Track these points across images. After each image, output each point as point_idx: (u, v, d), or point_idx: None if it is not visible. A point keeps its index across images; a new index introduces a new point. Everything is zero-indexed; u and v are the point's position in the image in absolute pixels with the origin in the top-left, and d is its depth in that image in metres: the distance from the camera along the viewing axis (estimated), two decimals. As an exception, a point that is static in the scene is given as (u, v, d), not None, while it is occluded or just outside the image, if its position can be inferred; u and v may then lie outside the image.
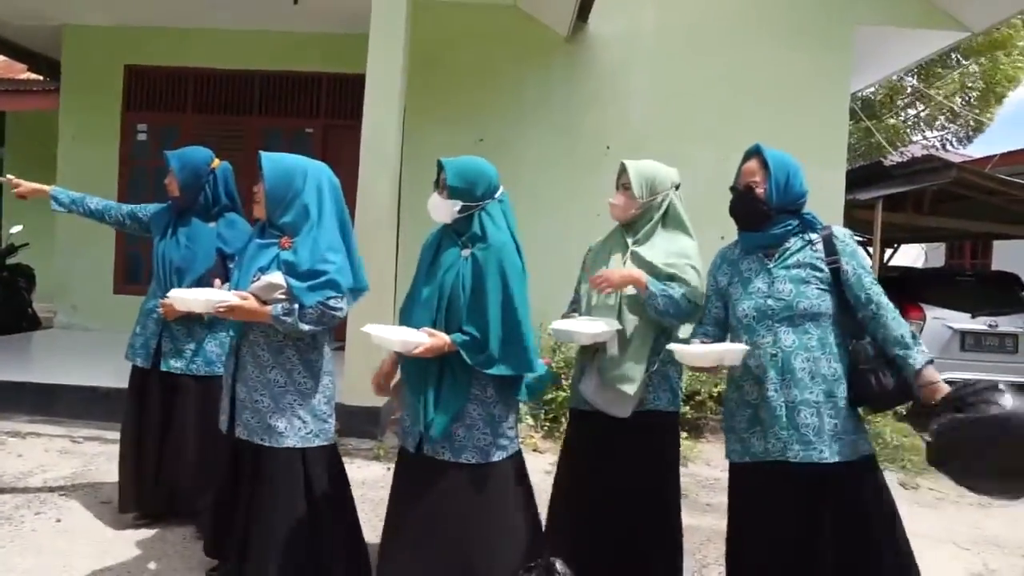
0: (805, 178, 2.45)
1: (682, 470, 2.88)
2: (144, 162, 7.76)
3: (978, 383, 2.19)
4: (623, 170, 2.79)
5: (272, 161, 2.73)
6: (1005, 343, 6.84)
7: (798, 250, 2.39)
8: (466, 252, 2.46)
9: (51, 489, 3.85)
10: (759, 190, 2.41)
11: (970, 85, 15.47)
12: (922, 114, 16.70)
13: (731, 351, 2.40)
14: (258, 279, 2.61)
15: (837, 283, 2.33)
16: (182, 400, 3.34)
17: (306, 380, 2.73)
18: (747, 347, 2.42)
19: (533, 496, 2.67)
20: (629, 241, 2.77)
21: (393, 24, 4.88)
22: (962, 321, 6.82)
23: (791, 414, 2.30)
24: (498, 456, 2.49)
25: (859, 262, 2.36)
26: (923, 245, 14.33)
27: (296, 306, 2.57)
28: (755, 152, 2.47)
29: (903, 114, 16.86)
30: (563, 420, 5.29)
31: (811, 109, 6.70)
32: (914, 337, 2.28)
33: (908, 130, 16.75)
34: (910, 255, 14.81)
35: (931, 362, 2.25)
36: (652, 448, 2.73)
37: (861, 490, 2.32)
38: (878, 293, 2.33)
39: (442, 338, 2.38)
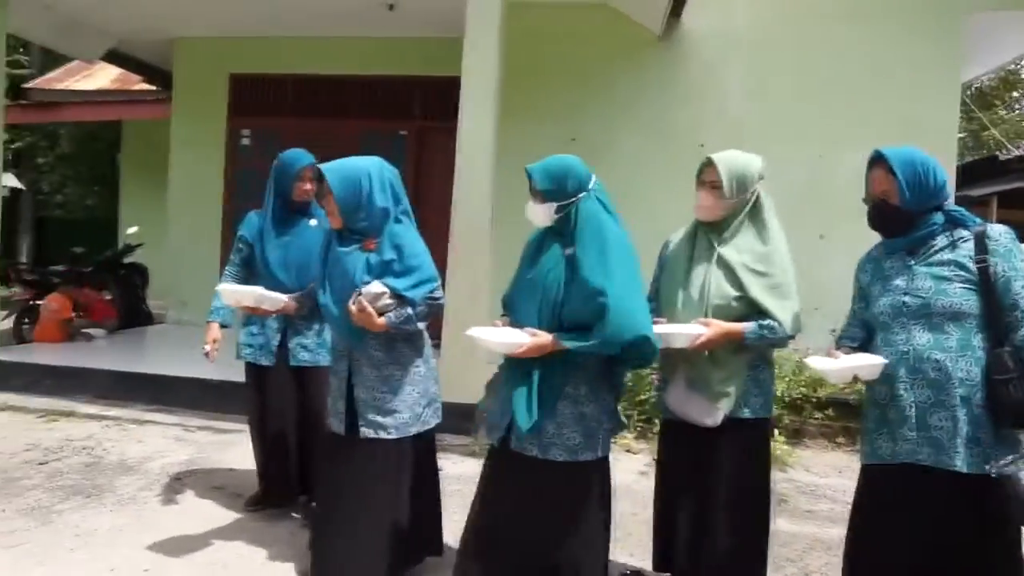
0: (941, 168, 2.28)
1: (782, 476, 2.77)
2: (247, 165, 8.11)
3: None
4: (708, 165, 2.60)
5: (334, 172, 2.78)
6: None
7: (943, 247, 2.24)
8: (569, 251, 2.47)
9: (169, 474, 4.09)
10: (892, 200, 2.26)
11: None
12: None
13: (866, 366, 2.28)
14: (359, 294, 2.68)
15: (987, 284, 2.16)
16: (315, 391, 3.43)
17: (419, 368, 2.87)
18: (884, 361, 2.29)
19: (610, 504, 2.64)
20: (715, 242, 2.61)
21: (488, 28, 4.94)
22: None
23: (922, 416, 2.18)
24: (585, 457, 2.47)
25: (1012, 264, 2.17)
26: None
27: (409, 309, 2.69)
28: (878, 159, 2.30)
29: (1018, 105, 15.84)
30: (656, 421, 5.24)
31: (918, 101, 6.37)
32: None
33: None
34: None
35: None
36: (742, 456, 2.61)
37: (997, 512, 2.14)
38: None
39: (544, 337, 2.40)
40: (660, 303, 2.71)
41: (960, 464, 2.12)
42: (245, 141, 8.17)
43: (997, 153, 9.72)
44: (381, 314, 2.68)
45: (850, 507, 2.46)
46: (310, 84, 7.92)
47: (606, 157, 6.81)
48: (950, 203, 2.30)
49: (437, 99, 7.45)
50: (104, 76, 11.07)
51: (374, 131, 7.67)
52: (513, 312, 2.61)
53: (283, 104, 8.03)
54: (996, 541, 2.16)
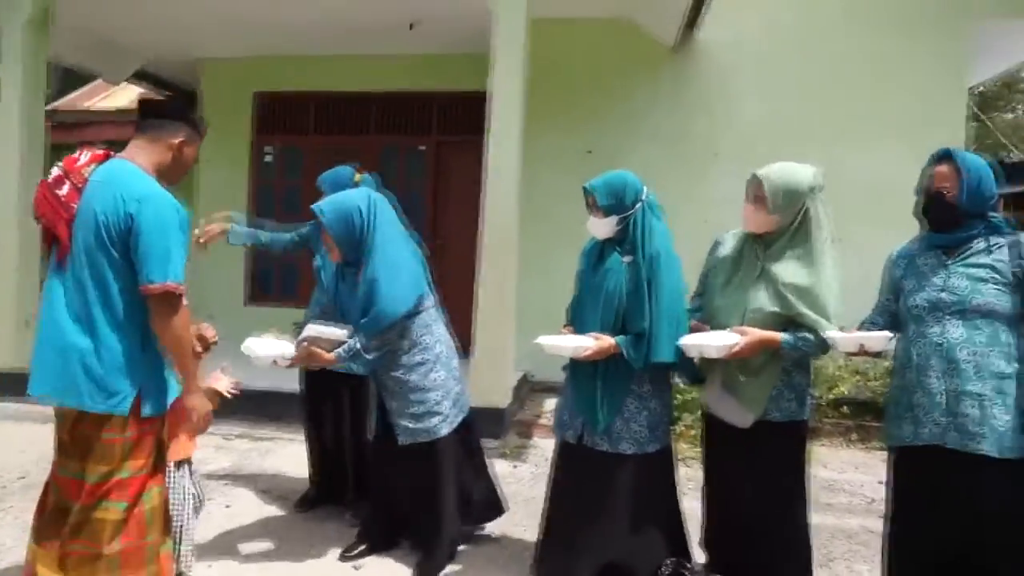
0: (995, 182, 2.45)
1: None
2: (271, 181, 8.34)
3: None
4: (755, 181, 2.65)
5: (329, 211, 2.97)
6: None
7: (980, 251, 2.42)
8: (627, 259, 2.66)
9: (216, 479, 4.27)
10: (950, 195, 2.42)
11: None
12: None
13: (873, 337, 2.49)
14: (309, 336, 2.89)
15: (1021, 287, 2.35)
16: (333, 397, 3.69)
17: (439, 373, 3.04)
18: (890, 335, 2.52)
19: (677, 489, 2.85)
20: (760, 256, 2.68)
21: (513, 45, 5.14)
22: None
23: (952, 403, 2.36)
24: (652, 448, 2.68)
25: None
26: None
27: (356, 346, 2.87)
28: (946, 156, 2.47)
29: (1020, 108, 15.96)
30: (680, 420, 5.40)
31: (925, 108, 6.50)
32: None
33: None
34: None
35: None
36: (772, 457, 2.74)
37: (1020, 489, 2.33)
38: None
39: (607, 340, 2.60)
40: (704, 305, 2.85)
41: (987, 448, 2.31)
42: (268, 158, 8.39)
43: (1001, 157, 9.87)
44: (331, 350, 2.88)
45: (868, 499, 2.63)
46: (331, 101, 8.11)
47: (623, 167, 6.92)
48: (992, 213, 2.46)
49: (455, 114, 7.66)
50: (125, 96, 11.29)
51: (394, 146, 7.89)
52: (577, 319, 2.81)
53: (305, 122, 8.23)
54: (1019, 521, 2.33)
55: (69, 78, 12.81)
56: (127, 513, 2.23)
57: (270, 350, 2.89)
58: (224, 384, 2.70)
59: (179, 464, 2.74)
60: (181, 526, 2.72)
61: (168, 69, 8.80)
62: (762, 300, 2.62)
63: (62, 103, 11.73)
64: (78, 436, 2.24)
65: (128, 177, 2.25)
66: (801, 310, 2.56)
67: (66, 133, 11.24)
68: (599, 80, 7.04)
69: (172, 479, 2.68)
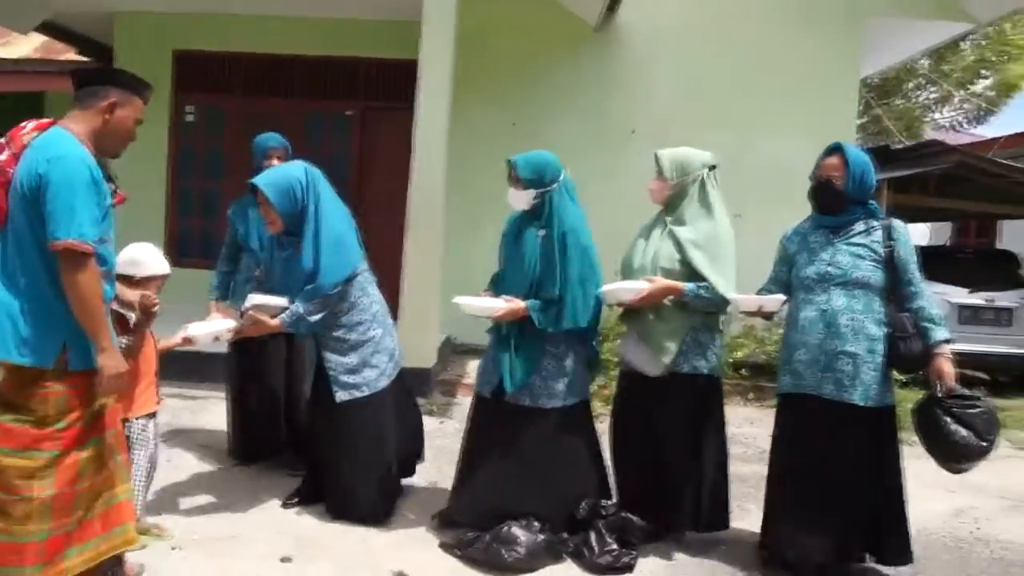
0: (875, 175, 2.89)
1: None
2: (192, 141, 8.21)
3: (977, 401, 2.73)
4: (655, 158, 3.16)
5: (270, 186, 3.10)
6: (1000, 317, 7.33)
7: (860, 232, 2.87)
8: (542, 232, 2.96)
9: (152, 435, 4.39)
10: (838, 183, 2.86)
11: (982, 68, 15.54)
12: (932, 95, 16.88)
13: (769, 299, 2.93)
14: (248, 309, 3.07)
15: (890, 264, 2.81)
16: (273, 354, 3.88)
17: (376, 331, 3.27)
18: (784, 297, 2.95)
19: (598, 439, 3.17)
20: (668, 220, 3.14)
21: (445, 14, 5.30)
22: (960, 296, 7.29)
23: (830, 360, 2.81)
24: (570, 401, 3.00)
25: (909, 251, 2.85)
26: (929, 224, 14.72)
27: (299, 310, 3.05)
28: (836, 149, 2.91)
29: (915, 96, 17.05)
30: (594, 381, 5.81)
31: (822, 95, 7.11)
32: (944, 319, 2.82)
33: (921, 111, 16.93)
34: (915, 234, 15.18)
35: (948, 341, 2.76)
36: (685, 407, 3.08)
37: (879, 433, 2.84)
38: (919, 278, 2.84)
39: (517, 304, 2.90)
40: (623, 264, 3.22)
41: (856, 398, 2.78)
42: (189, 118, 8.23)
43: (888, 143, 10.69)
44: (275, 316, 3.06)
45: (761, 450, 3.08)
46: (257, 63, 8.00)
47: (544, 141, 7.16)
48: (871, 200, 2.93)
49: (383, 80, 7.72)
50: (27, 45, 10.69)
51: (320, 111, 7.88)
52: (501, 285, 3.09)
53: (228, 82, 8.09)
54: (879, 454, 2.85)
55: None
56: (57, 460, 2.27)
57: (211, 328, 3.04)
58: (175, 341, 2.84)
59: (141, 419, 2.88)
60: (144, 478, 2.89)
61: (79, 21, 8.41)
62: (668, 253, 3.05)
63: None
64: (13, 388, 2.29)
65: (52, 141, 2.28)
66: (698, 264, 2.97)
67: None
68: (524, 54, 7.29)
69: (135, 432, 2.83)
